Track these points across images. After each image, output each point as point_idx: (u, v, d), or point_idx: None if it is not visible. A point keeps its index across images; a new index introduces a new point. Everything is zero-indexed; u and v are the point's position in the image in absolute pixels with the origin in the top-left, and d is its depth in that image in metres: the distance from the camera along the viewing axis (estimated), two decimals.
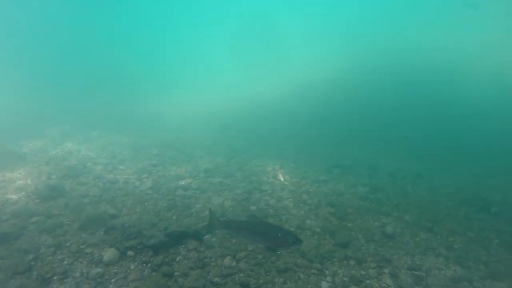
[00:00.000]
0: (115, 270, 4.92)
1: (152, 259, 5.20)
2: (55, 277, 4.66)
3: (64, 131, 13.47)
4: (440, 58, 20.35)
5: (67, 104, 18.61)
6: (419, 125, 14.17)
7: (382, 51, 22.98)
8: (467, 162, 11.08)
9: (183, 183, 9.01)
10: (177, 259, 5.39)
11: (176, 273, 4.94)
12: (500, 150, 11.85)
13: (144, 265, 5.08)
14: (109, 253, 5.19)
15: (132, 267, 5.01)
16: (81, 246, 5.44)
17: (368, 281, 5.08)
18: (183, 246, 5.74)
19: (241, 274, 5.06)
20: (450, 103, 15.35)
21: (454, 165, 10.86)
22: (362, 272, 5.27)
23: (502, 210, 7.53)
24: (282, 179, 9.17)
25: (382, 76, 18.88)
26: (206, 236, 6.29)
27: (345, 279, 5.12)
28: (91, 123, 15.83)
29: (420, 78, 17.61)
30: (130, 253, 5.31)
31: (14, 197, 7.08)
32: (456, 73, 18.30)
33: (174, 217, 7.19)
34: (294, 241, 3.64)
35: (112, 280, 4.71)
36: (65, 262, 5.02)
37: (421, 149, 12.15)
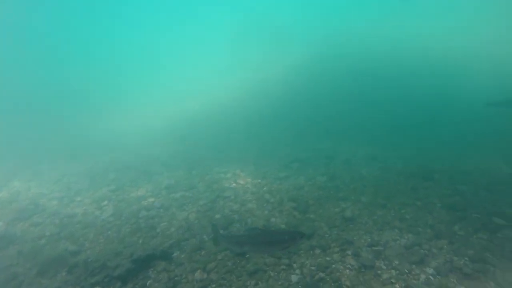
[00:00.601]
0: None
1: None
2: None
3: (8, 170, 12.51)
4: (381, 47, 21.86)
5: (8, 137, 17.25)
6: (369, 111, 15.05)
7: (329, 45, 24.08)
8: (414, 138, 12.01)
9: (145, 203, 8.85)
10: (147, 284, 5.33)
11: None
12: (440, 123, 13.01)
13: None
14: None
15: None
16: None
17: (333, 266, 5.41)
18: (152, 269, 5.68)
19: (213, 285, 5.14)
20: (393, 87, 16.51)
21: (403, 143, 11.70)
22: (328, 258, 5.59)
23: (442, 176, 8.34)
24: (243, 182, 9.34)
25: (330, 69, 19.80)
26: (175, 254, 6.28)
27: (313, 268, 5.40)
28: (40, 155, 14.86)
29: (364, 67, 18.73)
30: None
31: None
32: (394, 59, 19.71)
33: (140, 241, 7.06)
34: (301, 236, 4.00)
35: None
36: None
37: (374, 133, 12.95)
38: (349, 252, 5.69)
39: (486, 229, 5.89)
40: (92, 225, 7.74)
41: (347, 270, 5.27)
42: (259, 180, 9.39)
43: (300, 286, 5.03)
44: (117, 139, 17.19)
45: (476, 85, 15.90)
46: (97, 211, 8.59)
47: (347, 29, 28.03)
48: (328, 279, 5.11)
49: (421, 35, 24.22)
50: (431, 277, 4.88)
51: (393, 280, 4.92)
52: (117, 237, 7.33)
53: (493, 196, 7.12)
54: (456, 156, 9.92)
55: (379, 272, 5.14)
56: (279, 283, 5.11)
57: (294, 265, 5.54)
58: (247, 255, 5.86)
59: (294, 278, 5.20)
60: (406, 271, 5.07)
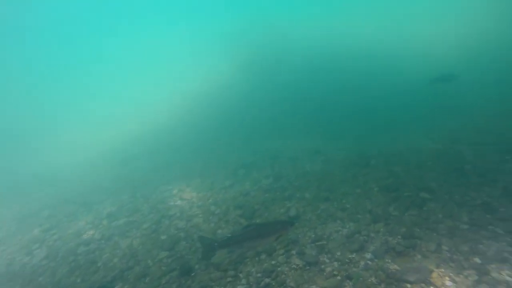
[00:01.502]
0: None
1: None
2: None
3: None
4: (318, 43, 22.80)
5: None
6: (310, 107, 15.49)
7: (268, 46, 24.50)
8: (353, 127, 12.54)
9: (85, 237, 8.15)
10: None
11: None
12: (376, 110, 13.76)
13: None
14: None
15: None
16: None
17: (279, 269, 5.31)
18: None
19: None
20: (331, 81, 17.22)
21: (344, 133, 12.15)
22: (273, 262, 5.48)
23: (378, 161, 8.75)
24: (189, 197, 9.00)
25: (271, 69, 20.13)
26: (117, 287, 5.79)
27: (259, 275, 5.26)
28: None
29: (303, 65, 19.31)
30: None
31: None
32: (331, 55, 20.63)
33: (78, 280, 6.46)
34: (291, 224, 4.40)
35: None
36: None
37: (316, 127, 13.30)
38: (294, 252, 5.64)
39: (415, 205, 6.21)
40: (18, 276, 6.89)
41: (292, 271, 5.20)
42: (205, 193, 9.11)
43: None
44: (54, 172, 15.78)
45: (407, 70, 17.22)
46: (26, 257, 7.70)
47: (285, 30, 28.78)
48: (274, 284, 5.00)
49: (352, 31, 25.72)
50: (369, 262, 4.98)
51: (335, 272, 4.94)
52: (51, 282, 6.61)
53: (421, 173, 7.58)
54: (390, 139, 10.49)
55: (322, 266, 5.14)
56: None
57: (240, 275, 5.36)
58: (193, 274, 5.58)
59: None
60: (347, 260, 5.13)
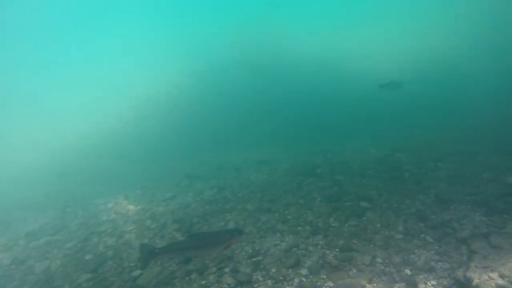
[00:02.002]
0: None
1: None
2: None
3: None
4: (266, 53, 22.92)
5: None
6: (262, 116, 15.32)
7: (218, 56, 24.15)
8: (301, 136, 12.52)
9: None
10: None
11: None
12: (327, 120, 13.92)
13: None
14: None
15: None
16: None
17: None
18: None
19: None
20: (283, 91, 17.27)
21: (293, 142, 12.07)
22: (203, 282, 4.98)
23: (324, 169, 8.67)
24: (124, 211, 8.19)
25: (221, 79, 19.77)
26: None
27: None
28: None
29: (253, 75, 19.21)
30: None
31: None
32: (280, 65, 20.79)
33: None
34: (239, 234, 4.03)
35: None
36: None
37: (265, 137, 13.11)
38: (227, 270, 5.18)
39: (355, 215, 6.10)
40: None
41: None
42: (144, 205, 8.37)
43: None
44: None
45: (360, 81, 17.80)
46: None
47: (236, 39, 28.61)
48: None
49: (301, 40, 26.35)
50: (303, 279, 4.68)
51: None
52: None
53: (364, 181, 7.59)
54: (338, 147, 10.57)
55: (255, 286, 4.74)
56: None
57: None
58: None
59: None
60: (281, 278, 4.78)
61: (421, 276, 4.27)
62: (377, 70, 19.02)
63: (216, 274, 5.13)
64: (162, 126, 16.53)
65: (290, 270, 4.92)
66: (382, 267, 4.60)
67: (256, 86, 17.80)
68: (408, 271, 4.40)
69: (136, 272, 5.58)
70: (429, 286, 4.07)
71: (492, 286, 3.63)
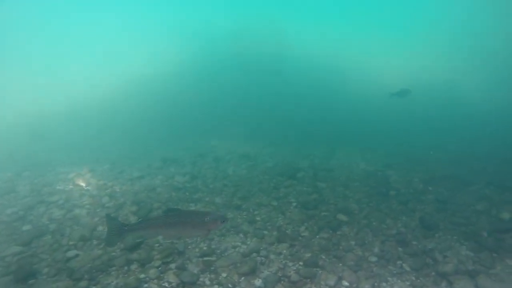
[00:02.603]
0: None
1: None
2: None
3: None
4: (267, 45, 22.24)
5: None
6: (256, 108, 14.66)
7: (215, 43, 23.34)
8: (296, 137, 11.87)
9: None
10: None
11: None
12: (325, 124, 13.28)
13: None
14: None
15: None
16: None
17: (145, 285, 4.14)
18: None
19: None
20: (284, 85, 16.60)
21: (284, 142, 11.41)
22: (142, 276, 4.30)
23: (307, 174, 8.03)
24: (84, 184, 7.48)
25: (218, 66, 19.05)
26: None
27: None
28: None
29: (250, 66, 18.52)
30: None
31: None
32: (282, 57, 20.09)
33: None
34: (222, 221, 3.60)
35: None
36: None
37: (257, 132, 12.45)
38: (173, 266, 4.51)
39: (329, 227, 5.47)
40: None
41: None
42: (107, 181, 7.65)
43: None
44: None
45: (357, 86, 17.22)
46: None
47: (234, 27, 27.66)
48: None
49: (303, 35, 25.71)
50: None
51: None
52: None
53: (346, 192, 6.97)
54: (327, 153, 9.94)
55: None
56: None
57: (94, 287, 4.09)
58: (33, 281, 4.19)
59: None
60: (230, 286, 4.12)
61: None
62: (381, 82, 18.44)
63: (159, 268, 4.46)
64: (155, 104, 15.79)
65: (242, 278, 4.26)
66: None
67: (254, 79, 17.10)
68: None
69: (72, 252, 4.89)
70: None
71: None
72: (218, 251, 4.91)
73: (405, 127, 12.97)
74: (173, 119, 14.22)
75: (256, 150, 10.16)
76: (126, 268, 4.50)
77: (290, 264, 4.54)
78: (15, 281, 4.28)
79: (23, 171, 8.60)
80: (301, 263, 4.54)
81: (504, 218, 5.69)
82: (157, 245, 5.04)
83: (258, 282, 4.18)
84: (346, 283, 4.08)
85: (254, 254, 4.79)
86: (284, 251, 4.86)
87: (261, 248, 4.91)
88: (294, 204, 6.42)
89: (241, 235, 5.38)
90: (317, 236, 5.25)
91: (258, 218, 5.93)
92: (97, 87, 17.76)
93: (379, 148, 10.43)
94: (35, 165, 9.19)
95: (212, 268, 4.50)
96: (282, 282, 4.16)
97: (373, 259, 4.63)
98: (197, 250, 4.93)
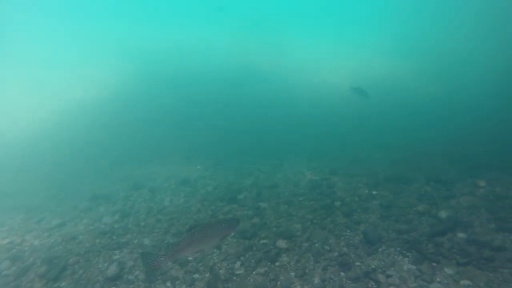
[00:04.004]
0: None
1: None
2: None
3: None
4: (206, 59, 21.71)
5: None
6: (198, 128, 13.90)
7: (152, 60, 22.38)
8: (240, 152, 11.29)
9: None
10: None
11: None
12: (273, 135, 12.82)
13: None
14: None
15: None
16: None
17: None
18: None
19: None
20: (223, 100, 16.05)
21: (227, 159, 10.79)
22: None
23: (249, 194, 7.50)
24: None
25: (153, 86, 18.09)
26: None
27: None
28: None
29: (190, 82, 17.82)
30: None
31: None
32: (217, 70, 19.64)
33: None
34: (237, 222, 3.85)
35: None
36: None
37: (199, 151, 11.71)
38: None
39: (268, 258, 4.93)
40: None
41: None
42: (14, 238, 6.49)
43: None
44: None
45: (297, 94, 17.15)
46: None
47: (172, 43, 26.87)
48: None
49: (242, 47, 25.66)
50: None
51: None
52: None
53: (290, 210, 6.52)
54: (272, 167, 9.49)
55: None
56: None
57: None
58: None
59: None
60: None
61: None
62: (328, 87, 18.64)
63: None
64: (90, 132, 14.41)
65: None
66: None
67: (193, 95, 16.41)
68: None
69: None
70: None
71: None
72: None
73: (351, 127, 12.99)
74: (111, 146, 13.02)
75: (198, 172, 9.45)
76: None
77: None
78: None
79: None
80: None
81: (441, 217, 5.55)
82: None
83: None
84: None
85: None
86: None
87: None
88: (232, 233, 5.80)
89: (168, 283, 4.65)
90: (254, 272, 4.68)
91: (190, 258, 5.22)
92: (22, 120, 15.88)
93: (325, 153, 10.22)
94: None
95: None
96: None
97: None
98: None
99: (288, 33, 32.38)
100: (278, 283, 4.40)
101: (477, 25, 21.79)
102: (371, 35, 30.65)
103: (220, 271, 4.78)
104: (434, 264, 4.36)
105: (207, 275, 4.73)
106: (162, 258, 3.40)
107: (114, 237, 6.18)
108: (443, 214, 5.65)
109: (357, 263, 4.61)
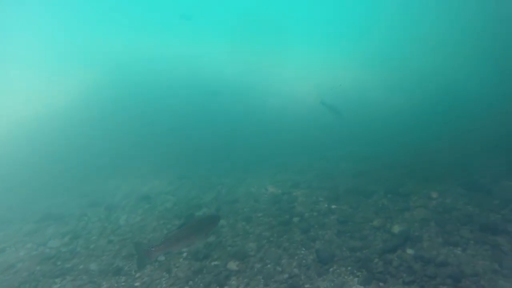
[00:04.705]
0: None
1: None
2: None
3: None
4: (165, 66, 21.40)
5: None
6: (165, 139, 13.56)
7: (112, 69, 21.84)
8: (205, 167, 11.05)
9: None
10: None
11: None
12: (239, 147, 12.66)
13: None
14: None
15: None
16: None
17: None
18: None
19: None
20: (189, 112, 15.81)
21: (193, 173, 10.50)
22: None
23: (207, 211, 7.32)
24: None
25: (114, 97, 17.59)
26: None
27: None
28: None
29: (153, 93, 17.46)
30: None
31: None
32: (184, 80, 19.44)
33: None
34: (218, 217, 4.77)
35: None
36: None
37: (167, 163, 11.38)
38: None
39: (217, 282, 4.76)
40: None
41: None
42: None
43: None
44: None
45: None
46: None
47: (134, 51, 26.38)
48: None
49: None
50: None
51: None
52: None
53: (247, 227, 6.39)
54: (236, 180, 9.34)
55: None
56: None
57: None
58: None
59: None
60: None
61: None
62: (297, 96, 18.80)
63: None
64: (52, 145, 13.73)
65: None
66: None
67: (162, 105, 16.07)
68: None
69: None
70: None
71: None
72: None
73: (319, 138, 13.07)
74: (77, 159, 12.44)
75: (160, 187, 9.15)
76: None
77: None
78: None
79: None
80: None
81: (394, 232, 5.59)
82: None
83: None
84: None
85: None
86: None
87: None
88: (185, 254, 5.59)
89: None
90: None
91: (137, 284, 4.96)
92: None
93: (292, 165, 10.19)
94: None
95: None
96: None
97: None
98: None
99: (258, 43, 32.69)
100: None
101: (443, 40, 22.77)
102: (343, 49, 31.46)
103: None
104: (381, 284, 4.34)
105: None
106: (153, 249, 3.83)
107: (59, 263, 5.80)
108: (396, 228, 5.69)
109: (307, 286, 4.52)
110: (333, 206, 6.95)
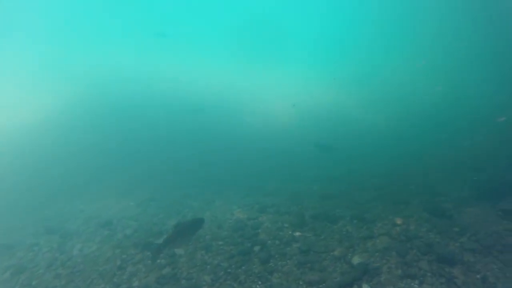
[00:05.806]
0: None
1: None
2: None
3: None
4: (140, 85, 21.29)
5: None
6: (132, 161, 13.23)
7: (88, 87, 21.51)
8: (176, 188, 10.76)
9: None
10: None
11: None
12: (208, 168, 12.43)
13: None
14: None
15: None
16: None
17: None
18: None
19: None
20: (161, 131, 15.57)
21: (162, 194, 10.20)
22: None
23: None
24: None
25: (100, 114, 17.25)
26: None
27: None
28: None
29: (126, 111, 17.20)
30: None
31: None
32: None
33: None
34: (202, 220, 5.90)
35: None
36: None
37: (140, 184, 11.04)
38: None
39: None
40: None
41: None
42: None
43: None
44: None
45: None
46: None
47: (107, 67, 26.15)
48: None
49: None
50: None
51: None
52: None
53: (205, 258, 6.09)
54: (206, 202, 9.08)
55: None
56: None
57: None
58: None
59: None
60: None
61: None
62: (273, 114, 18.81)
63: None
64: (20, 163, 13.20)
65: None
66: None
67: (135, 123, 15.79)
68: None
69: None
70: None
71: None
72: None
73: (295, 158, 12.99)
74: (39, 179, 11.95)
75: (129, 209, 8.83)
76: None
77: None
78: None
79: None
80: None
81: (354, 263, 5.41)
82: None
83: None
84: None
85: None
86: None
87: None
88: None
89: None
90: None
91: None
92: None
93: (264, 187, 10.01)
94: None
95: None
96: None
97: None
98: None
99: (237, 62, 33.06)
100: None
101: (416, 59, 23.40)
102: (323, 69, 32.09)
103: None
104: None
105: None
106: (161, 244, 5.00)
107: None
108: (356, 260, 5.53)
109: None
110: (297, 234, 6.76)
